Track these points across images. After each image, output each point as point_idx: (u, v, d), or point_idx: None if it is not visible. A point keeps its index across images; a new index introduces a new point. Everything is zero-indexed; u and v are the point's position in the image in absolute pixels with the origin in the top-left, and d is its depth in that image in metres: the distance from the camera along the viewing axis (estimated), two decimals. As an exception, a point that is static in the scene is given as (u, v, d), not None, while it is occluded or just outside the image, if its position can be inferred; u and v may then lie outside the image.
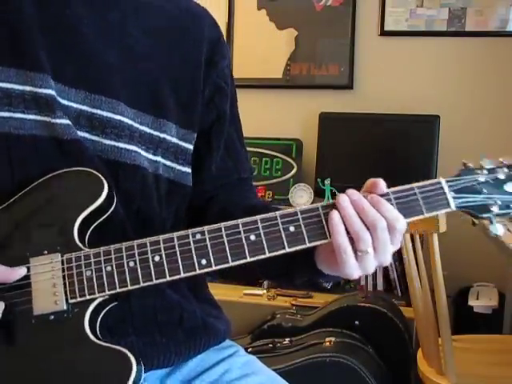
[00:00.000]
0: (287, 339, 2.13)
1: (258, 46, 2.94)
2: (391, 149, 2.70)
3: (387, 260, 0.79)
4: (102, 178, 0.83)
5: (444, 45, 2.78)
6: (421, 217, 0.81)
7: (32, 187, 0.83)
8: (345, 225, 0.78)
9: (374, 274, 2.60)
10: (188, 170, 0.97)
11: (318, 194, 2.71)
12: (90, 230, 0.83)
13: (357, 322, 2.16)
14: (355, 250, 0.77)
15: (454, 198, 0.82)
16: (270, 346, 2.10)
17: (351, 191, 0.80)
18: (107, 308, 0.81)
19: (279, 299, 2.48)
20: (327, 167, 2.75)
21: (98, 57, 0.89)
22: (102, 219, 0.83)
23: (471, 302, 2.43)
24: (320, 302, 2.39)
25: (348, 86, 2.88)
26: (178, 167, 0.95)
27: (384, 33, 2.84)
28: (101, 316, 0.81)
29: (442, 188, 0.82)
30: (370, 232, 0.77)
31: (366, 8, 2.86)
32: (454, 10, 2.75)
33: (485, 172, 0.83)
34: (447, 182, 0.83)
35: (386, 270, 2.61)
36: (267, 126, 2.83)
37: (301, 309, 2.37)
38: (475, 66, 2.75)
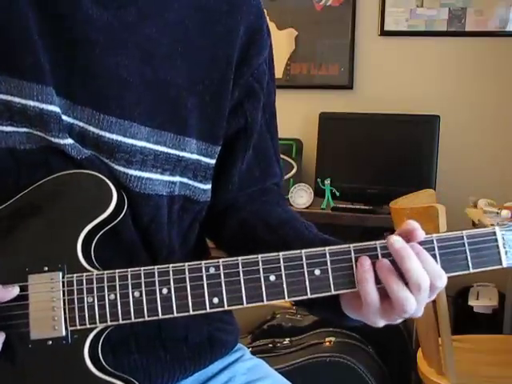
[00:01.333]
0: (287, 339, 2.13)
1: (258, 46, 2.94)
2: (391, 149, 2.70)
3: (420, 314, 0.70)
4: (111, 185, 0.75)
5: (444, 45, 2.78)
6: (465, 272, 0.70)
7: (33, 188, 0.76)
8: (379, 277, 0.68)
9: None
10: (207, 186, 0.87)
11: (318, 194, 2.71)
12: (97, 240, 0.76)
13: (357, 322, 2.16)
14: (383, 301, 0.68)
15: (507, 252, 0.70)
16: (270, 345, 2.10)
17: (396, 238, 0.68)
18: (108, 330, 0.75)
19: (279, 299, 2.48)
20: (327, 167, 2.75)
21: (110, 68, 0.77)
22: (108, 227, 0.76)
23: (471, 302, 2.43)
24: (320, 302, 2.38)
25: (348, 86, 2.88)
26: (196, 184, 0.86)
27: (384, 33, 2.84)
28: (102, 339, 0.75)
29: (495, 240, 0.70)
30: (412, 293, 0.67)
31: (366, 8, 2.86)
32: (454, 9, 2.75)
33: None
34: (502, 231, 0.70)
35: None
36: (267, 126, 2.82)
37: (301, 309, 2.37)
38: (475, 66, 2.75)
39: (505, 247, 0.70)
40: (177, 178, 0.83)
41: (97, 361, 0.74)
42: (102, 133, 0.77)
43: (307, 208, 2.70)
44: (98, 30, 0.78)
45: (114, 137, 0.78)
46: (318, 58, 2.93)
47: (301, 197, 2.74)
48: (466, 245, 0.70)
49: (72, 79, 0.77)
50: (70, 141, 0.76)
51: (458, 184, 2.64)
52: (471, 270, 0.70)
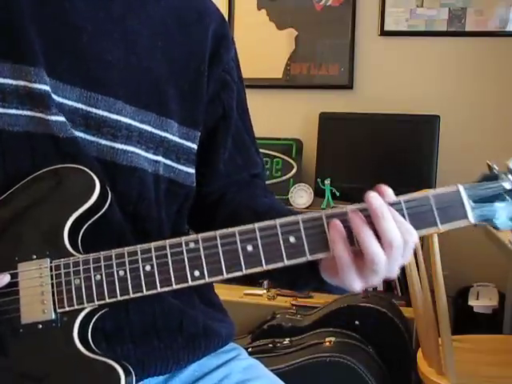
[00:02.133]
0: (287, 339, 2.13)
1: (258, 46, 2.94)
2: (391, 149, 2.70)
3: (394, 274, 0.72)
4: (94, 176, 0.79)
5: (444, 45, 2.78)
6: (435, 229, 0.72)
7: (21, 185, 0.80)
8: (353, 237, 0.71)
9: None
10: (190, 170, 0.93)
11: (318, 194, 2.71)
12: (85, 230, 0.80)
13: (357, 322, 2.16)
14: (359, 265, 0.71)
15: (473, 208, 0.71)
16: (270, 345, 2.10)
17: (374, 194, 0.71)
18: (98, 314, 0.78)
19: (279, 299, 2.48)
20: (327, 167, 2.75)
21: (96, 53, 0.85)
22: (95, 218, 0.80)
23: (471, 302, 2.43)
24: (320, 301, 2.39)
25: (348, 86, 2.88)
26: (180, 167, 0.92)
27: (384, 33, 2.84)
28: (92, 323, 0.78)
29: (459, 196, 0.72)
30: (385, 251, 0.70)
31: (366, 8, 2.86)
32: (454, 9, 2.75)
33: (511, 177, 0.72)
34: (466, 189, 0.72)
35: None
36: (267, 126, 2.82)
37: (301, 309, 2.37)
38: (475, 66, 2.75)
39: (470, 203, 0.72)
40: (160, 158, 0.89)
41: (87, 343, 0.77)
42: (90, 109, 0.84)
43: (307, 208, 2.70)
44: (86, 18, 0.85)
45: (100, 112, 0.84)
46: (318, 58, 2.93)
47: (301, 197, 2.74)
48: (433, 203, 0.72)
49: (62, 62, 0.83)
50: (59, 118, 0.82)
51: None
52: (440, 227, 0.72)
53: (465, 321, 2.48)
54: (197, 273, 0.74)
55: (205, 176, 0.96)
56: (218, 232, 0.75)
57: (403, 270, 2.07)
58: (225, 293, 2.33)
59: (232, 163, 0.98)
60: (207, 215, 0.96)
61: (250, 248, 0.74)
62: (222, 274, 0.74)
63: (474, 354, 1.84)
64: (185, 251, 0.75)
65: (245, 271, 0.74)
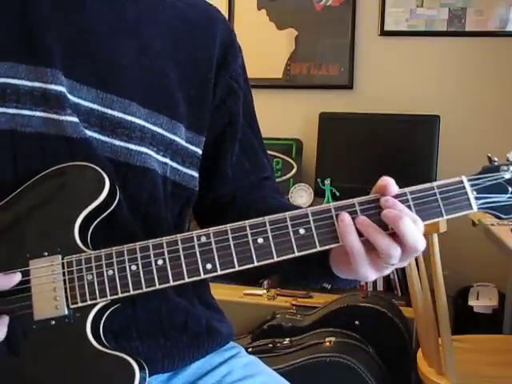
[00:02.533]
0: (287, 339, 2.13)
1: (258, 46, 2.94)
2: (391, 149, 2.70)
3: (406, 263, 0.76)
4: (103, 174, 0.80)
5: (444, 45, 2.78)
6: (440, 219, 0.76)
7: (31, 183, 0.81)
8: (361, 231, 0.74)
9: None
10: (194, 173, 0.95)
11: (318, 194, 2.71)
12: (94, 227, 0.81)
13: (357, 322, 2.16)
14: (371, 254, 0.74)
15: (477, 198, 0.76)
16: (270, 345, 2.10)
17: (390, 203, 0.75)
18: (110, 310, 0.79)
19: (279, 299, 2.48)
20: (327, 167, 2.75)
21: (112, 56, 0.87)
22: (104, 215, 0.81)
23: (471, 302, 2.43)
24: (320, 301, 2.39)
25: (348, 86, 2.88)
26: (185, 170, 0.94)
27: (384, 33, 2.84)
28: (104, 319, 0.79)
29: (463, 187, 0.76)
30: (402, 251, 0.73)
31: (366, 8, 2.86)
32: (454, 9, 2.75)
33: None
34: (469, 180, 0.77)
35: (386, 270, 2.61)
36: (267, 126, 2.80)
37: (301, 309, 2.37)
38: (475, 66, 2.75)
39: (473, 193, 0.76)
40: (168, 160, 0.91)
41: (99, 339, 0.78)
42: (105, 110, 0.86)
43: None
44: (102, 22, 0.88)
45: (116, 113, 0.86)
46: (318, 58, 2.93)
47: (301, 197, 2.74)
48: (437, 194, 0.76)
49: (79, 64, 0.85)
50: (73, 118, 0.83)
51: (458, 184, 2.63)
52: (445, 217, 0.75)
53: (465, 321, 2.48)
54: (209, 266, 0.76)
55: (213, 181, 0.98)
56: (229, 226, 0.76)
57: (403, 269, 2.06)
58: (225, 293, 2.35)
59: (240, 167, 1.00)
60: (217, 219, 0.95)
61: (260, 240, 0.75)
62: (234, 267, 0.75)
63: (474, 354, 1.84)
64: (196, 245, 0.76)
65: (256, 263, 0.75)
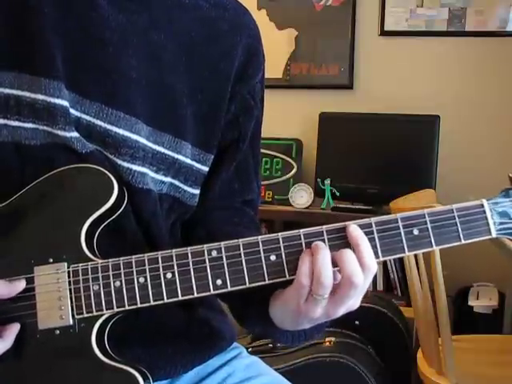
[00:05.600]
0: (287, 339, 2.12)
1: (258, 46, 2.94)
2: (391, 149, 2.70)
3: (356, 306, 0.78)
4: (112, 178, 0.77)
5: (444, 45, 2.78)
6: (457, 244, 0.73)
7: (37, 184, 0.77)
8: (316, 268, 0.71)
9: (374, 274, 2.60)
10: (196, 191, 0.90)
11: (318, 194, 2.71)
12: (100, 232, 0.78)
13: (357, 322, 2.16)
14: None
15: (495, 223, 0.73)
16: (270, 345, 2.09)
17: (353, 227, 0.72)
18: (114, 319, 0.77)
19: (279, 299, 2.47)
20: (327, 167, 2.75)
21: (120, 67, 0.81)
22: (110, 220, 0.78)
23: (471, 302, 2.43)
24: (320, 301, 2.38)
25: (348, 86, 2.88)
26: (186, 188, 0.89)
27: (384, 33, 2.84)
28: (108, 328, 0.77)
29: (483, 212, 0.73)
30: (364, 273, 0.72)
31: (366, 8, 2.86)
32: (454, 9, 2.75)
33: None
34: (489, 203, 0.73)
35: (385, 270, 2.61)
36: (267, 126, 2.81)
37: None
38: (475, 66, 2.75)
39: (493, 218, 0.73)
40: (168, 179, 0.86)
41: (104, 349, 0.76)
42: (110, 127, 0.80)
43: (307, 208, 2.70)
44: (112, 30, 0.81)
45: (121, 131, 0.81)
46: (318, 58, 2.92)
47: (301, 197, 2.74)
48: (457, 218, 0.73)
49: (84, 75, 0.80)
50: (75, 134, 0.79)
51: (457, 184, 2.63)
52: (463, 242, 0.73)
53: (465, 321, 2.48)
54: (219, 282, 0.73)
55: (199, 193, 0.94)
56: (241, 241, 0.74)
57: (403, 269, 2.06)
58: (225, 293, 2.34)
59: (228, 187, 0.95)
60: (188, 226, 0.94)
61: (273, 258, 0.73)
62: (245, 284, 0.73)
63: (474, 354, 1.84)
64: (207, 260, 0.73)
65: (268, 281, 0.73)
